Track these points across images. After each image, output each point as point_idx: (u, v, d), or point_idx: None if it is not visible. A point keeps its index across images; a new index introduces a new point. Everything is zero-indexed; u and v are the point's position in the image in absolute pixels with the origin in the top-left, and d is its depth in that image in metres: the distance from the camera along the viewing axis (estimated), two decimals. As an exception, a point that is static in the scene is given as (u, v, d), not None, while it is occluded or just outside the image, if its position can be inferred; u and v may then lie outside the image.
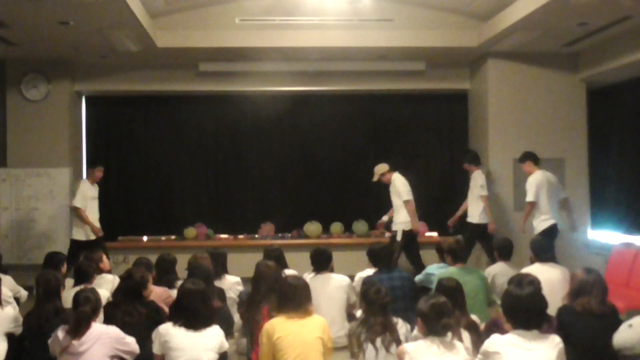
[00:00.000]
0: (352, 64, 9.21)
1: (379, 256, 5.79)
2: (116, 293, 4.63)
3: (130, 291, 4.58)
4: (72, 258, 7.16)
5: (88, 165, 8.77)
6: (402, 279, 5.60)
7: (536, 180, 7.57)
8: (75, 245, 7.84)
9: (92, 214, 8.01)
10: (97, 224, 8.05)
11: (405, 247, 8.02)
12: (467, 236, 8.10)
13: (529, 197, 7.52)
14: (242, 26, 8.37)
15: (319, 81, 9.50)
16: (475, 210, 8.37)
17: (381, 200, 9.87)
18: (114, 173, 9.77)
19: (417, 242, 8.19)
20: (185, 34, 8.38)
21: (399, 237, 7.95)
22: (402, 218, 7.98)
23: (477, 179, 8.38)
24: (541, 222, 7.54)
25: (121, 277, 4.72)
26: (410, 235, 7.99)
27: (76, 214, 7.93)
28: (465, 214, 8.59)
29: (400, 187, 7.99)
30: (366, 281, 5.54)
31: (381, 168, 8.22)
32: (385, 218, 8.52)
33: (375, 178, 8.22)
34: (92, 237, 7.95)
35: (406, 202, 7.92)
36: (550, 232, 7.47)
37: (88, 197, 7.96)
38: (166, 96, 9.71)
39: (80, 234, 7.95)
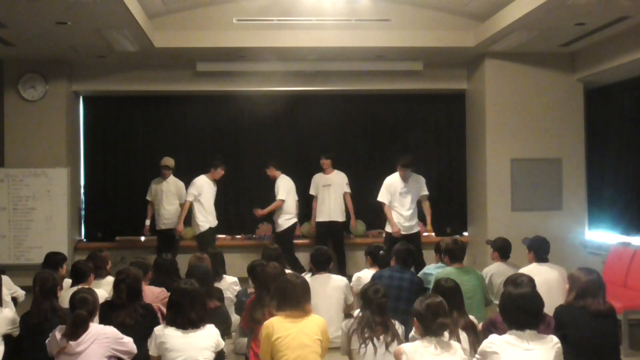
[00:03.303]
0: (349, 64, 9.20)
1: (401, 256, 5.77)
2: (118, 295, 4.56)
3: (132, 292, 4.56)
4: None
5: None
6: (412, 282, 5.60)
7: (288, 183, 8.77)
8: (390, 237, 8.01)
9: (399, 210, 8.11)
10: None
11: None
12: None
13: (281, 196, 8.65)
14: (240, 26, 8.37)
15: (317, 81, 9.50)
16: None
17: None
18: (112, 173, 9.77)
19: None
20: (183, 34, 8.37)
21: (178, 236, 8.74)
22: (177, 218, 8.63)
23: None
24: (286, 221, 8.69)
25: (116, 279, 4.65)
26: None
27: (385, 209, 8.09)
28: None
29: (182, 188, 8.65)
30: (376, 275, 5.60)
31: (172, 163, 8.74)
32: (147, 222, 8.94)
33: (167, 163, 8.72)
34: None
35: (185, 203, 8.58)
36: (293, 230, 8.82)
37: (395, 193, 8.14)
38: (164, 96, 9.71)
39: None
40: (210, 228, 8.49)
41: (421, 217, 8.37)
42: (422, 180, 8.23)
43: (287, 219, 8.73)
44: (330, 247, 8.42)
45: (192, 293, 4.14)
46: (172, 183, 8.73)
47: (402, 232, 8.08)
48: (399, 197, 8.12)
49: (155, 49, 8.37)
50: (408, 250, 5.82)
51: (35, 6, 6.44)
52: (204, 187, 8.42)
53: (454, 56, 9.14)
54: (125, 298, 4.51)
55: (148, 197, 8.85)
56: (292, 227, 8.84)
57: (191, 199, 8.35)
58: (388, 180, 8.19)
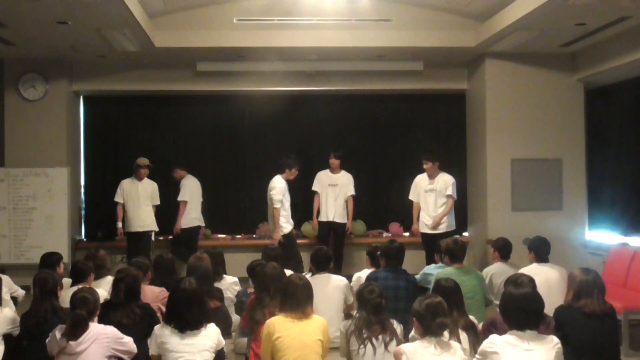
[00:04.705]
0: (349, 64, 9.20)
1: (391, 254, 5.78)
2: (117, 294, 4.55)
3: (131, 292, 4.55)
4: None
5: None
6: (408, 280, 5.62)
7: (190, 184, 8.84)
8: None
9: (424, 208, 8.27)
10: None
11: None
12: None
13: (183, 198, 8.73)
14: (240, 26, 8.36)
15: (317, 81, 9.49)
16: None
17: (379, 200, 9.93)
18: (111, 173, 9.76)
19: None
20: (183, 34, 8.36)
21: (153, 238, 8.79)
22: (151, 220, 8.71)
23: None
24: (190, 220, 8.76)
25: (116, 278, 4.65)
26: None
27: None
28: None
29: (156, 190, 8.75)
30: (370, 276, 5.61)
31: (148, 163, 8.71)
32: (120, 224, 8.80)
33: (146, 163, 8.67)
34: None
35: (156, 206, 8.75)
36: (197, 231, 8.90)
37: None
38: (164, 96, 9.70)
39: None
40: (292, 230, 8.33)
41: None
42: (450, 181, 8.14)
43: (191, 219, 8.77)
44: (330, 247, 8.35)
45: (189, 294, 4.08)
46: (148, 184, 8.68)
47: (425, 231, 8.09)
48: (424, 195, 8.21)
49: (156, 49, 8.36)
50: (395, 248, 5.81)
51: (36, 6, 6.43)
52: (284, 189, 8.18)
53: (454, 56, 9.13)
54: (123, 297, 4.50)
55: (119, 200, 8.65)
56: (195, 229, 8.84)
57: (279, 205, 8.02)
58: (416, 178, 8.36)
